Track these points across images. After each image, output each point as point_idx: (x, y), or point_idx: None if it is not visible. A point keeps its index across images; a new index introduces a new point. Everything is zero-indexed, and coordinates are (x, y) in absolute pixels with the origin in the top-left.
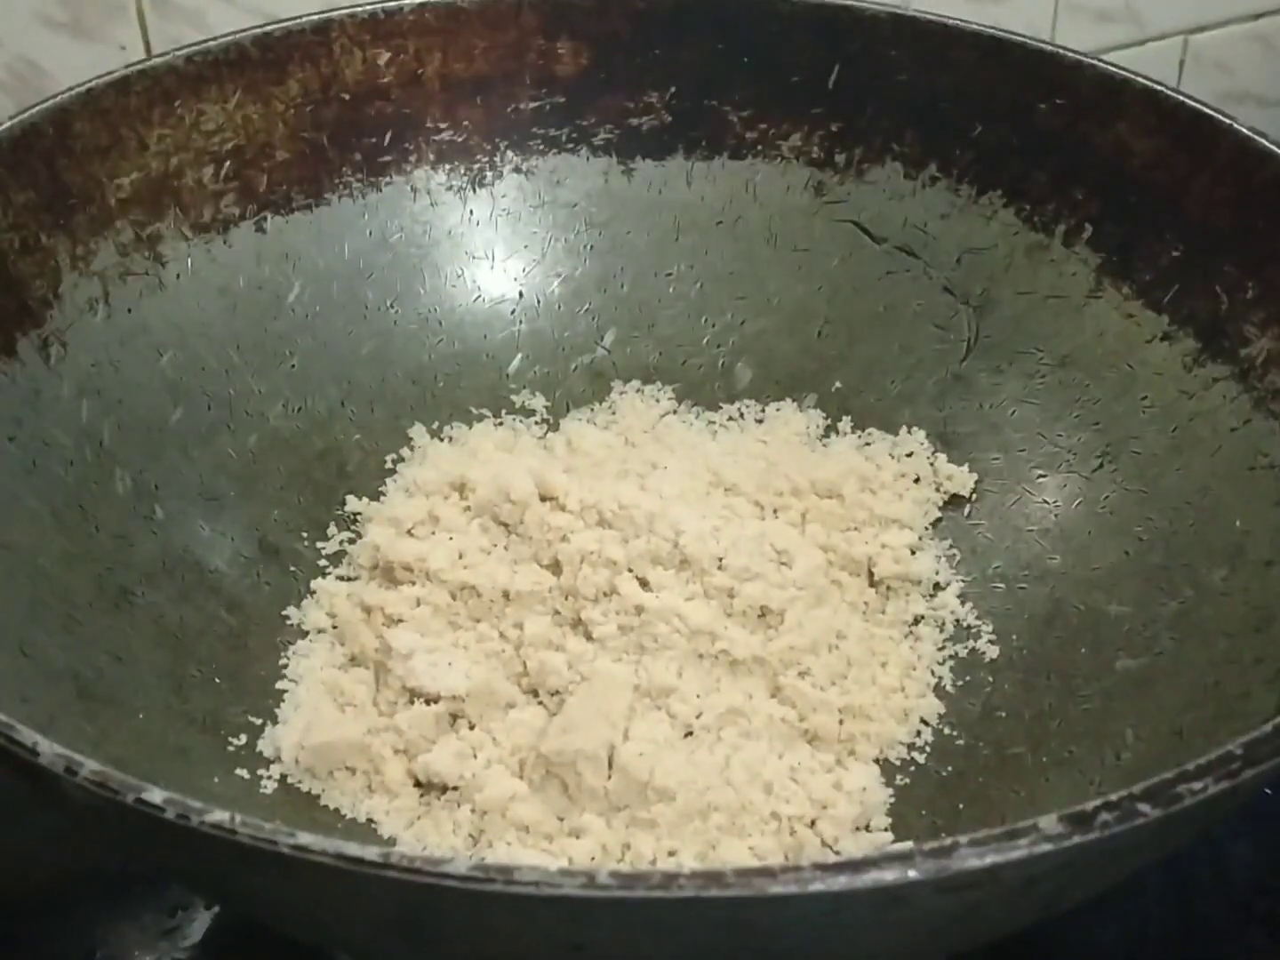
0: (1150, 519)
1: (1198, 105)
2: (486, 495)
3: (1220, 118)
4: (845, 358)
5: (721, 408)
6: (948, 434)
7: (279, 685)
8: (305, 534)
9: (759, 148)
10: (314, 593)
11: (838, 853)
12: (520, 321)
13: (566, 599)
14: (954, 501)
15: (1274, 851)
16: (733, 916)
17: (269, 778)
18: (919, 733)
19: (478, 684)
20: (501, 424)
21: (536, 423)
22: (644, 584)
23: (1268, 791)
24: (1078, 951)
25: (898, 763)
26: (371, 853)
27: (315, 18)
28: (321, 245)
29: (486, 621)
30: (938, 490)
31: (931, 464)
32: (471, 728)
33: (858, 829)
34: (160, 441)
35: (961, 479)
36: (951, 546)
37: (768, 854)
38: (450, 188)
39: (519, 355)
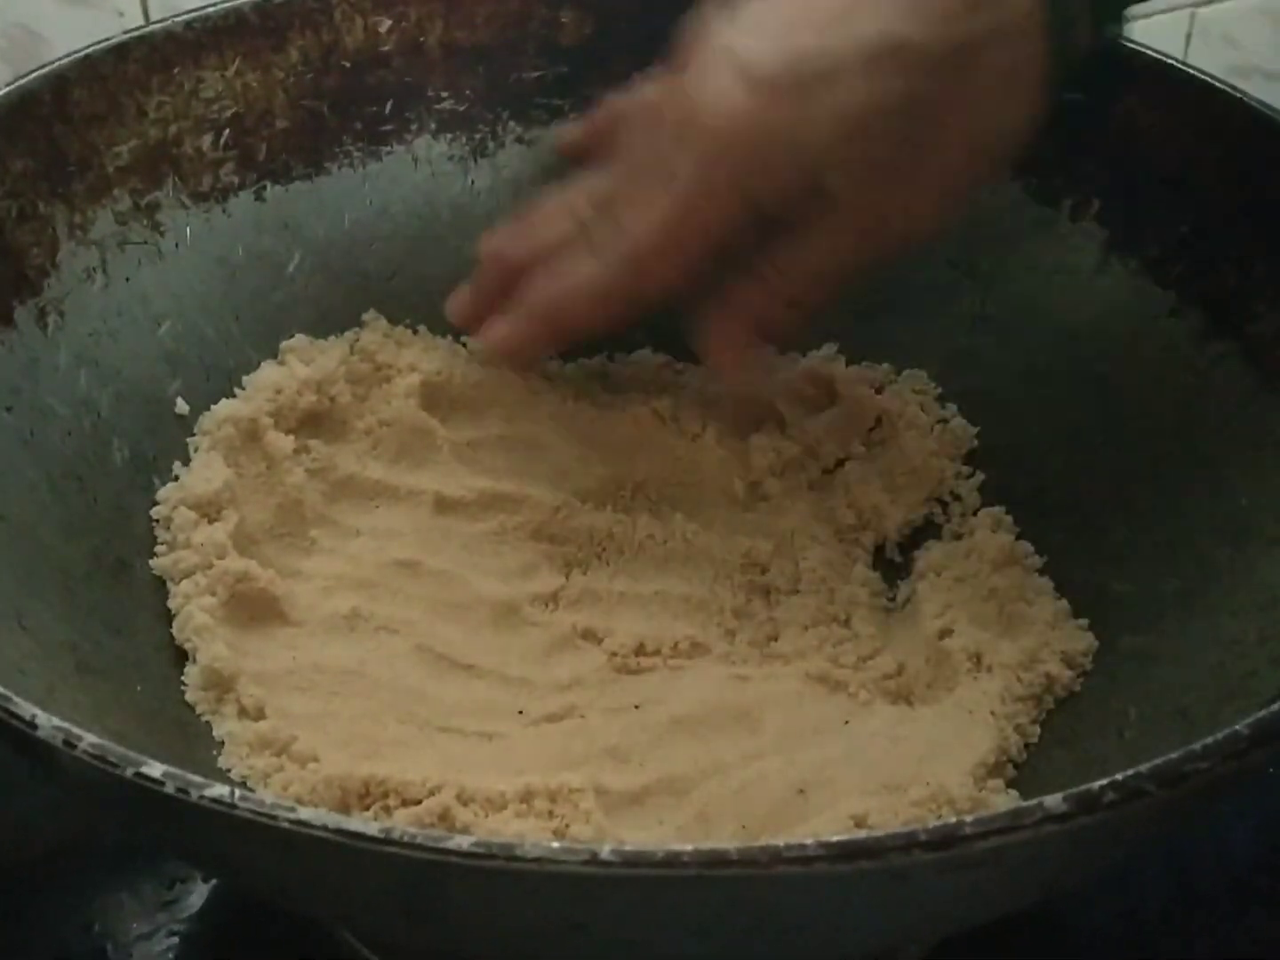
0: (1156, 496)
1: (1208, 79)
2: None
3: (1231, 91)
4: (850, 331)
5: None
6: None
7: None
8: None
9: None
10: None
11: None
12: None
13: None
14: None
15: (1275, 828)
16: (736, 895)
17: None
18: None
19: None
20: None
21: None
22: None
23: (1270, 769)
24: (1077, 929)
25: None
26: (372, 828)
27: None
28: (321, 215)
29: None
30: None
31: None
32: None
33: None
34: (158, 412)
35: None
36: None
37: None
38: (452, 158)
39: None
